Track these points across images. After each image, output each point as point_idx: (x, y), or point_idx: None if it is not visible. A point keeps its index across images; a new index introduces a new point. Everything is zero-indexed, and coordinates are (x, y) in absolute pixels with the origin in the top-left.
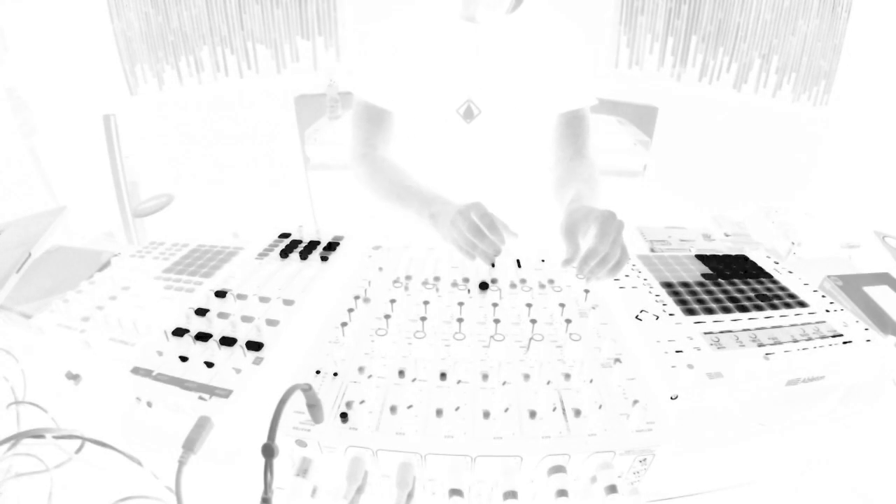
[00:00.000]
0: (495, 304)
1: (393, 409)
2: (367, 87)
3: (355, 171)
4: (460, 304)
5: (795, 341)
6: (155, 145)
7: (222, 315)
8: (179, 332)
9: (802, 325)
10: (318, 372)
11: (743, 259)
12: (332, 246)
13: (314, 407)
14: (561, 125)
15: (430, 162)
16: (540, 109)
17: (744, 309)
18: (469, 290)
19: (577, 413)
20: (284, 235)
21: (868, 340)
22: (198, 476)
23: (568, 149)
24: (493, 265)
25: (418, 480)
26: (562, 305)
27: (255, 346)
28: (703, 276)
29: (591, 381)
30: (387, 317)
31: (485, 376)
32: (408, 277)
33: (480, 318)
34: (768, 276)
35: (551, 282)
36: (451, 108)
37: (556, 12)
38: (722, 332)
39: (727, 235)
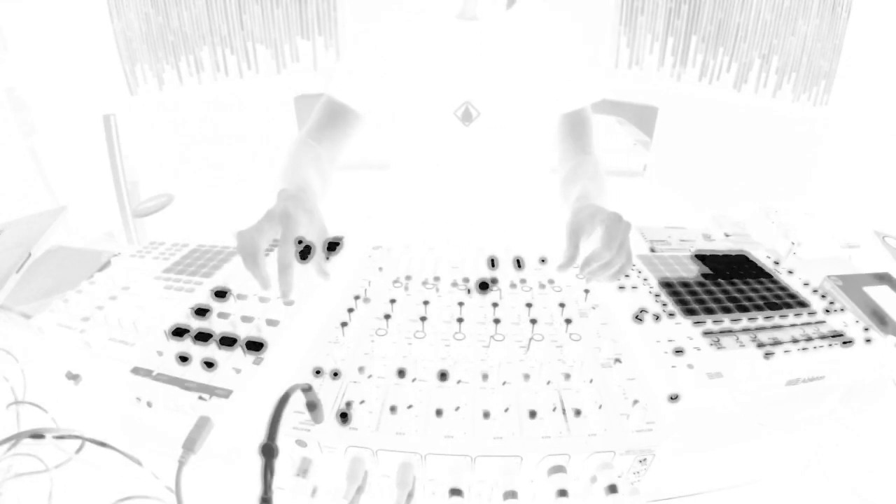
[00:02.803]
0: (495, 304)
1: (393, 409)
2: (338, 85)
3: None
4: (460, 304)
5: (795, 341)
6: (155, 145)
7: (222, 315)
8: (179, 332)
9: (802, 325)
10: (318, 372)
11: (743, 259)
12: (331, 246)
13: (314, 407)
14: (564, 125)
15: (428, 166)
16: (541, 110)
17: (744, 309)
18: (469, 290)
19: (577, 413)
20: None
21: (868, 340)
22: (198, 476)
23: (572, 148)
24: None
25: (418, 480)
26: (562, 305)
27: (255, 346)
28: (703, 275)
29: (591, 381)
30: (387, 317)
31: (485, 376)
32: (408, 277)
33: (480, 318)
34: (768, 276)
35: (551, 282)
36: (448, 110)
37: (550, 10)
38: (722, 332)
39: (727, 235)
